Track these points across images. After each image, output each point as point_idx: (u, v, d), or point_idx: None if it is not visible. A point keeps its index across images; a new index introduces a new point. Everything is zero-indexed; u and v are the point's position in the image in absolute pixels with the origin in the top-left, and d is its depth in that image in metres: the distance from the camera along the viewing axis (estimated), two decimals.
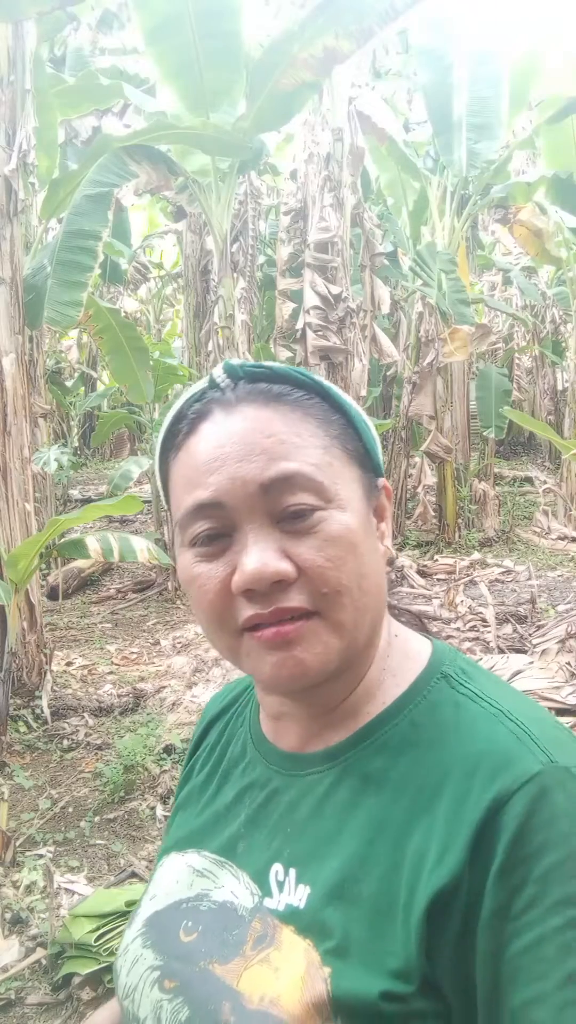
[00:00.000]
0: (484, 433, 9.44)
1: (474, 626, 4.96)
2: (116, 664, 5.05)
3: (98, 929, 2.27)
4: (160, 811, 3.21)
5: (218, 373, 0.65)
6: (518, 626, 4.93)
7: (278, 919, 0.61)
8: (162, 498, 0.71)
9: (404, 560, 6.64)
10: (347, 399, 0.68)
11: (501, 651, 4.49)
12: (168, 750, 3.60)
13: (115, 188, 5.10)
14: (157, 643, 5.45)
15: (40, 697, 4.05)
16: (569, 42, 7.16)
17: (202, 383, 0.67)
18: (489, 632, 4.70)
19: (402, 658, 0.69)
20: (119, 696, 4.35)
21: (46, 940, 2.37)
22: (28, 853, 2.92)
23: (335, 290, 6.07)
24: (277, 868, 0.64)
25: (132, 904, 2.23)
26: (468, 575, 6.41)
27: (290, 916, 0.61)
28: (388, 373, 10.39)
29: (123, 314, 7.48)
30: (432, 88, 7.00)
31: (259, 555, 0.59)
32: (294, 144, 7.46)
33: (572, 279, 9.31)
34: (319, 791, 0.65)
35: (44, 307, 4.57)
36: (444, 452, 7.75)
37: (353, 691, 0.67)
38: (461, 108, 6.94)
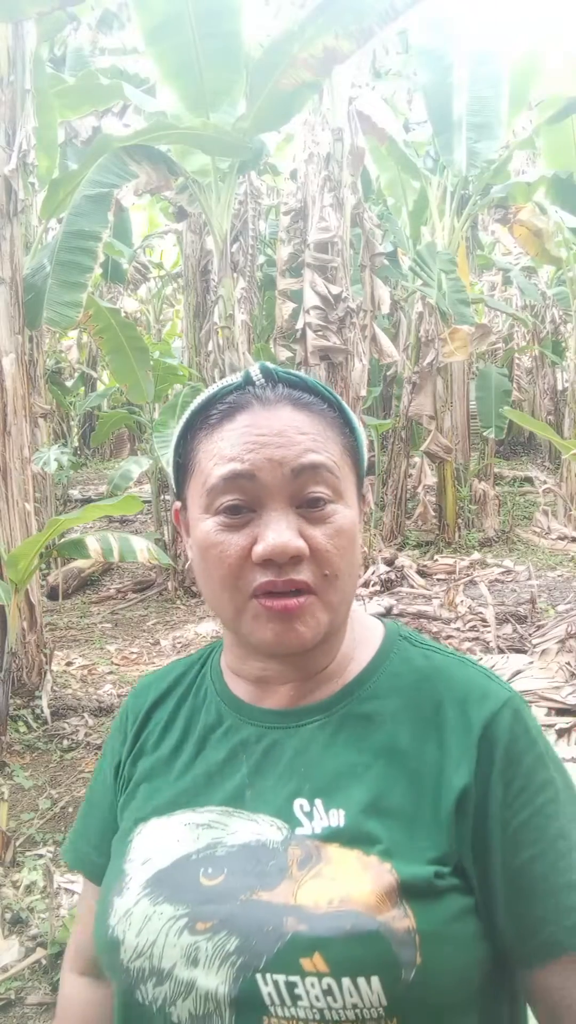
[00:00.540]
0: (484, 433, 9.44)
1: (474, 626, 4.96)
2: (116, 664, 5.05)
3: None
4: None
5: (255, 372, 0.75)
6: (518, 626, 4.93)
7: (318, 840, 0.69)
8: (170, 471, 0.81)
9: (404, 560, 6.64)
10: (354, 418, 0.79)
11: (501, 651, 4.49)
12: None
13: (115, 188, 5.10)
14: (157, 643, 5.45)
15: (40, 697, 4.05)
16: (569, 42, 7.16)
17: (235, 377, 0.75)
18: (489, 632, 4.70)
19: (363, 629, 0.82)
20: (119, 696, 4.35)
21: (46, 940, 2.37)
22: (28, 853, 2.92)
23: (335, 290, 6.07)
24: (300, 802, 0.71)
25: None
26: (468, 575, 6.40)
27: (331, 835, 0.69)
28: (388, 373, 10.39)
29: (123, 314, 7.48)
30: (432, 88, 7.00)
31: (284, 531, 0.69)
32: (294, 144, 7.46)
33: (572, 279, 9.31)
34: (324, 735, 0.75)
35: (44, 307, 4.56)
36: (444, 452, 7.75)
37: (333, 660, 0.78)
38: (461, 108, 6.94)
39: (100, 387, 12.94)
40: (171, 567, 6.45)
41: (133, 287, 11.37)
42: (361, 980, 0.62)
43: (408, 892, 0.65)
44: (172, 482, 0.80)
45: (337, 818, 0.69)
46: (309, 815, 0.70)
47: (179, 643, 5.36)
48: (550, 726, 3.42)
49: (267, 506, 0.70)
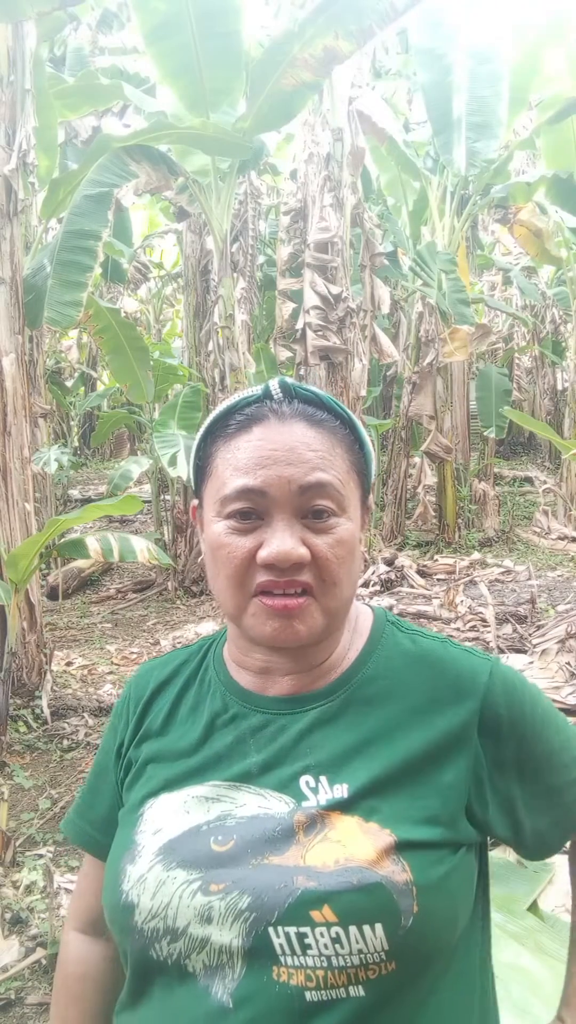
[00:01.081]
0: (484, 433, 9.43)
1: (474, 626, 4.96)
2: (116, 664, 5.05)
3: None
4: None
5: (274, 387, 0.80)
6: (518, 626, 4.93)
7: (322, 809, 0.75)
8: (190, 473, 0.87)
9: (404, 560, 6.64)
10: (365, 436, 0.85)
11: (501, 651, 4.49)
12: None
13: (115, 188, 5.10)
14: (157, 643, 5.45)
15: (40, 697, 4.05)
16: (569, 42, 7.15)
17: (256, 389, 0.81)
18: (489, 632, 4.70)
19: (356, 617, 0.88)
20: (119, 696, 4.34)
21: (46, 940, 2.37)
22: (28, 853, 2.92)
23: (335, 290, 6.07)
24: (307, 779, 0.77)
25: None
26: (468, 575, 6.40)
27: (334, 805, 0.75)
28: (388, 373, 10.40)
29: (123, 314, 7.48)
30: (432, 88, 7.00)
31: (288, 540, 0.75)
32: (294, 144, 7.46)
33: (572, 279, 9.31)
34: (327, 718, 0.80)
35: (44, 307, 4.56)
36: (444, 452, 7.75)
37: (332, 653, 0.84)
38: (461, 108, 6.94)
39: (100, 387, 12.94)
40: (171, 567, 6.45)
41: (133, 287, 11.38)
42: (366, 927, 0.69)
43: (405, 850, 0.73)
44: (192, 481, 0.87)
45: (341, 791, 0.76)
46: (314, 790, 0.76)
47: (179, 643, 5.36)
48: None
49: (274, 516, 0.76)
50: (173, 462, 5.75)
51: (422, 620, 5.02)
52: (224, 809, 0.77)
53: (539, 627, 4.87)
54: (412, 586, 6.15)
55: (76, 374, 12.15)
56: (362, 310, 6.78)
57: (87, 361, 12.63)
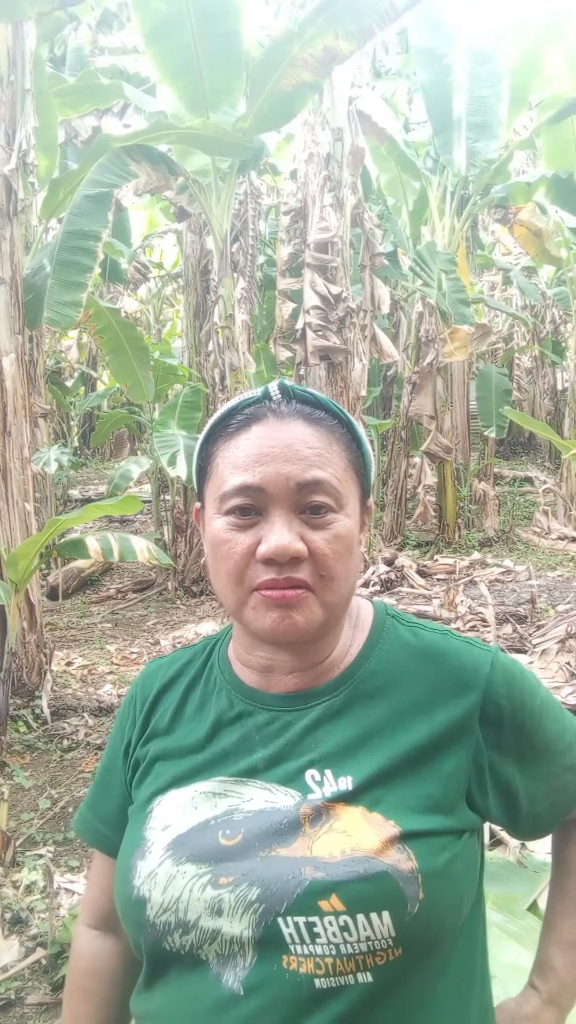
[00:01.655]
0: (484, 433, 9.43)
1: (474, 626, 4.96)
2: (116, 664, 5.05)
3: None
4: None
5: (273, 388, 0.81)
6: (518, 626, 4.93)
7: (327, 801, 0.77)
8: (192, 473, 0.89)
9: (404, 560, 6.64)
10: (363, 434, 0.86)
11: (501, 651, 4.49)
12: None
13: (115, 188, 5.10)
14: (157, 643, 5.45)
15: (40, 697, 4.05)
16: (569, 42, 7.15)
17: (255, 391, 0.82)
18: (489, 632, 4.70)
19: (357, 613, 0.90)
20: (119, 696, 4.35)
21: (46, 940, 2.37)
22: (28, 853, 2.92)
23: (335, 290, 6.07)
24: (312, 772, 0.79)
25: None
26: (468, 575, 6.40)
27: (339, 797, 0.77)
28: (388, 373, 10.40)
29: (123, 314, 7.48)
30: (432, 88, 6.99)
31: (285, 535, 0.76)
32: (294, 144, 7.47)
33: (572, 279, 9.31)
34: (332, 712, 0.82)
35: (44, 307, 4.56)
36: (444, 452, 7.74)
37: (333, 650, 0.85)
38: (461, 107, 6.94)
39: (100, 387, 12.94)
40: (171, 567, 6.45)
41: (133, 287, 11.38)
42: (374, 915, 0.71)
43: (410, 839, 0.75)
44: (195, 483, 0.89)
45: (345, 783, 0.77)
46: (320, 783, 0.78)
47: (179, 643, 5.35)
48: None
49: (272, 512, 0.78)
50: (173, 462, 5.75)
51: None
52: (231, 804, 0.79)
53: (539, 627, 4.87)
54: (412, 586, 6.15)
55: (76, 374, 12.15)
56: (362, 310, 6.78)
57: (87, 361, 12.63)
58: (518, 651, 4.52)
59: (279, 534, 0.76)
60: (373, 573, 6.08)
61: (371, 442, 8.50)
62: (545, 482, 10.06)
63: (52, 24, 5.33)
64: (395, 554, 6.79)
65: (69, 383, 11.68)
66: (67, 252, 4.69)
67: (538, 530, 8.34)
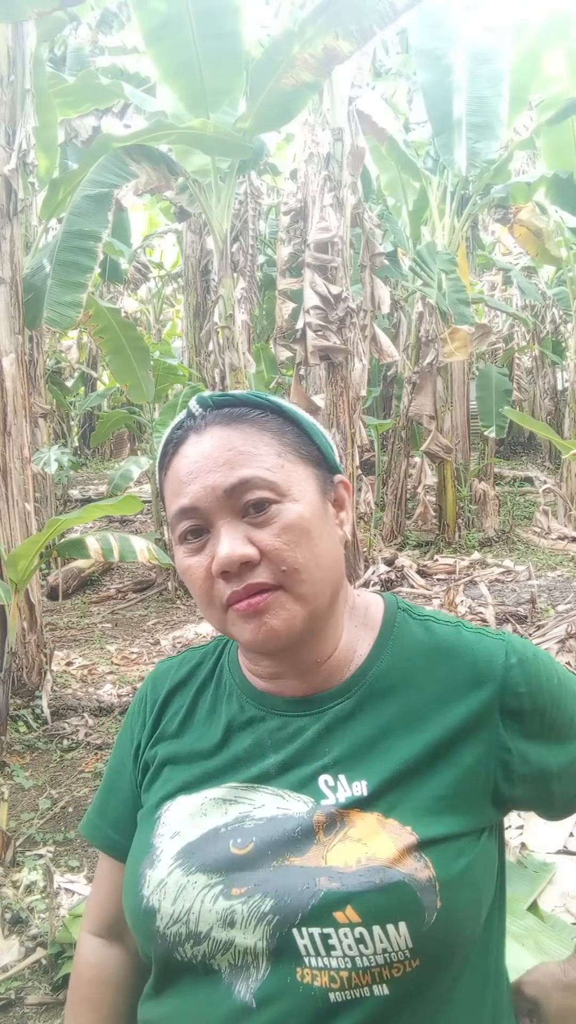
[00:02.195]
0: (484, 433, 9.43)
1: None
2: (116, 664, 5.05)
3: None
4: None
5: (193, 405, 0.80)
6: (518, 626, 4.93)
7: (341, 808, 0.75)
8: (164, 505, 0.86)
9: (404, 560, 6.64)
10: (300, 413, 0.83)
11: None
12: None
13: (115, 188, 5.10)
14: (157, 643, 5.45)
15: (40, 697, 4.05)
16: (569, 42, 7.15)
17: (183, 413, 0.81)
18: None
19: (365, 610, 0.87)
20: (119, 696, 4.35)
21: (46, 940, 2.37)
22: (28, 853, 2.91)
23: (335, 290, 6.06)
24: (325, 778, 0.77)
25: None
26: (468, 575, 6.40)
27: (353, 803, 0.75)
28: (388, 373, 10.40)
29: (123, 314, 7.48)
30: (432, 88, 6.99)
31: (228, 543, 0.74)
32: (294, 144, 7.46)
33: (572, 279, 9.31)
34: (344, 715, 0.79)
35: (44, 307, 4.56)
36: (444, 452, 7.74)
37: (336, 648, 0.82)
38: (461, 108, 6.93)
39: (100, 387, 12.94)
40: (171, 567, 6.45)
41: (133, 287, 11.38)
42: (390, 926, 0.69)
43: (427, 847, 0.72)
44: None
45: (360, 788, 0.75)
46: (333, 789, 0.76)
47: (179, 643, 5.35)
48: None
49: (215, 524, 0.76)
50: None
51: None
52: (242, 811, 0.77)
53: (539, 627, 4.87)
54: (412, 586, 6.15)
55: (76, 374, 12.15)
56: (362, 310, 6.77)
57: (87, 361, 12.63)
58: None
59: (222, 546, 0.74)
60: (373, 573, 6.08)
61: (371, 442, 8.51)
62: (545, 482, 10.06)
63: (52, 24, 5.33)
64: (395, 554, 6.79)
65: (69, 383, 11.69)
66: (67, 252, 4.69)
67: (538, 530, 8.34)
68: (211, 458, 0.76)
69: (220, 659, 0.91)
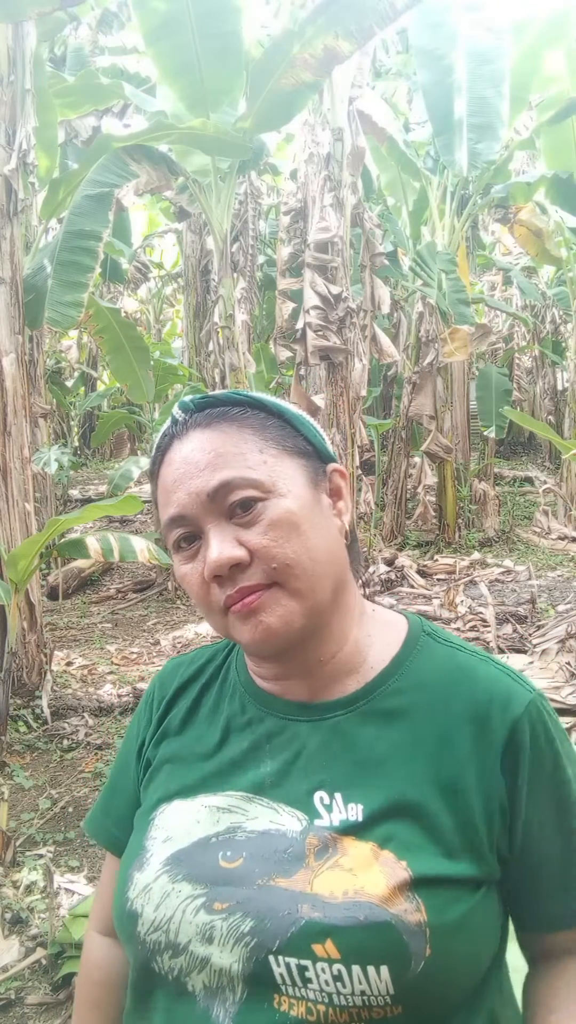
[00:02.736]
0: (484, 433, 9.43)
1: (474, 626, 4.96)
2: (116, 664, 5.05)
3: None
4: None
5: (176, 410, 0.80)
6: (518, 626, 4.93)
7: (335, 832, 0.71)
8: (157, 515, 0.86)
9: (404, 560, 6.64)
10: (283, 405, 0.81)
11: (501, 651, 4.49)
12: None
13: (115, 188, 5.10)
14: (157, 643, 5.45)
15: (40, 697, 4.05)
16: (569, 42, 7.15)
17: (169, 419, 0.81)
18: (489, 632, 4.70)
19: (383, 626, 0.84)
20: (119, 696, 4.35)
21: (46, 940, 2.37)
22: (28, 853, 2.92)
23: (335, 290, 6.06)
24: (321, 795, 0.74)
25: None
26: (468, 575, 6.40)
27: (348, 829, 0.71)
28: (388, 373, 10.39)
29: (123, 314, 7.48)
30: (432, 88, 6.99)
31: (216, 547, 0.73)
32: (294, 144, 7.46)
33: (572, 279, 9.31)
34: (347, 729, 0.77)
35: (45, 307, 4.56)
36: (444, 452, 7.74)
37: (341, 649, 0.80)
38: (462, 108, 6.93)
39: (100, 387, 12.94)
40: (171, 567, 6.44)
41: (133, 287, 11.38)
42: (371, 968, 0.65)
43: (421, 887, 0.68)
44: None
45: (355, 812, 0.72)
46: (328, 808, 0.73)
47: (179, 643, 5.35)
48: None
49: (204, 529, 0.75)
50: None
51: None
52: (234, 821, 0.75)
53: (539, 627, 4.87)
54: (412, 586, 6.15)
55: (76, 374, 12.15)
56: (362, 310, 6.77)
57: (87, 361, 12.63)
58: (518, 651, 4.52)
59: (210, 551, 0.73)
60: (373, 573, 6.08)
61: (371, 442, 8.52)
62: (545, 482, 10.06)
63: (52, 24, 5.33)
64: (395, 554, 6.80)
65: (69, 383, 11.69)
66: (68, 252, 4.70)
67: (538, 530, 8.34)
68: (192, 463, 0.75)
69: (229, 656, 0.90)
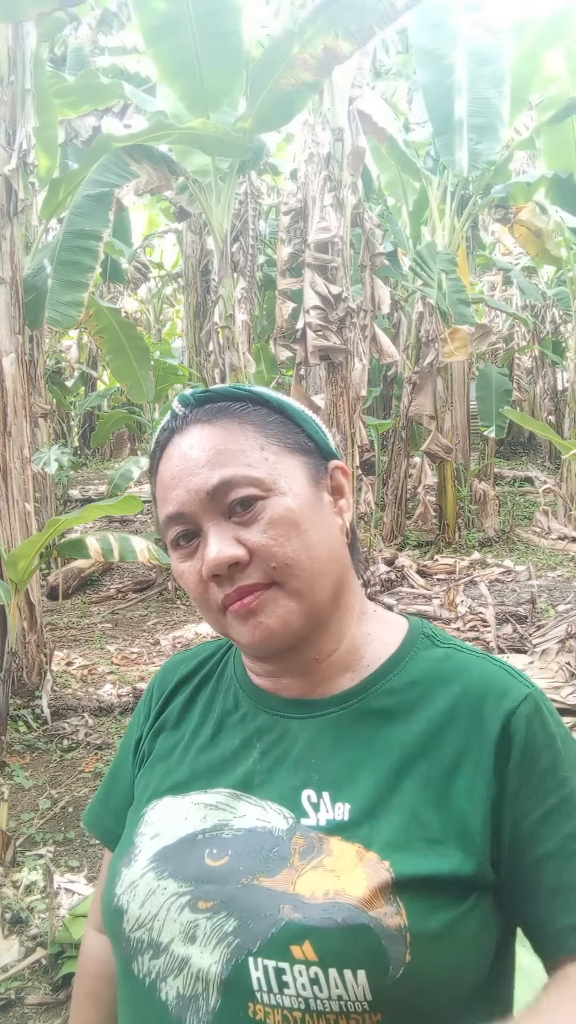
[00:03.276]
0: (484, 433, 9.44)
1: (474, 626, 4.96)
2: (116, 664, 5.05)
3: None
4: None
5: (176, 404, 0.78)
6: (518, 626, 4.93)
7: (322, 832, 0.70)
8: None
9: (404, 560, 6.64)
10: (285, 400, 0.80)
11: (501, 651, 4.49)
12: None
13: (116, 188, 5.10)
14: (157, 643, 5.45)
15: (40, 697, 4.05)
16: (569, 42, 7.15)
17: (169, 414, 0.79)
18: (489, 632, 4.70)
19: (383, 625, 0.82)
20: (119, 696, 4.35)
21: (46, 940, 2.37)
22: (28, 853, 2.92)
23: (335, 290, 6.06)
24: (308, 793, 0.72)
25: None
26: (468, 575, 6.40)
27: (334, 829, 0.70)
28: (388, 373, 10.39)
29: (123, 314, 7.48)
30: (433, 88, 6.99)
31: (215, 546, 0.72)
32: (294, 144, 7.46)
33: (572, 279, 9.31)
34: (337, 727, 0.75)
35: (45, 307, 4.57)
36: (444, 452, 7.74)
37: (338, 647, 0.79)
38: (462, 108, 6.93)
39: (100, 387, 12.94)
40: (171, 566, 6.45)
41: (133, 287, 11.38)
42: (347, 972, 0.63)
43: (403, 891, 0.66)
44: None
45: (342, 812, 0.70)
46: (315, 807, 0.72)
47: (179, 643, 5.36)
48: None
49: (203, 527, 0.74)
50: None
51: None
52: (222, 818, 0.74)
53: (539, 627, 4.87)
54: (412, 586, 6.15)
55: (76, 374, 12.15)
56: (362, 310, 6.77)
57: (87, 361, 12.63)
58: (518, 651, 4.53)
59: (209, 549, 0.72)
60: (373, 573, 6.08)
61: (371, 442, 8.52)
62: (545, 482, 10.06)
63: (52, 24, 5.33)
64: (395, 554, 6.80)
65: (69, 383, 11.69)
66: (68, 252, 4.70)
67: (538, 530, 8.34)
68: (192, 460, 0.74)
69: (227, 652, 0.89)
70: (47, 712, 3.98)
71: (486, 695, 0.73)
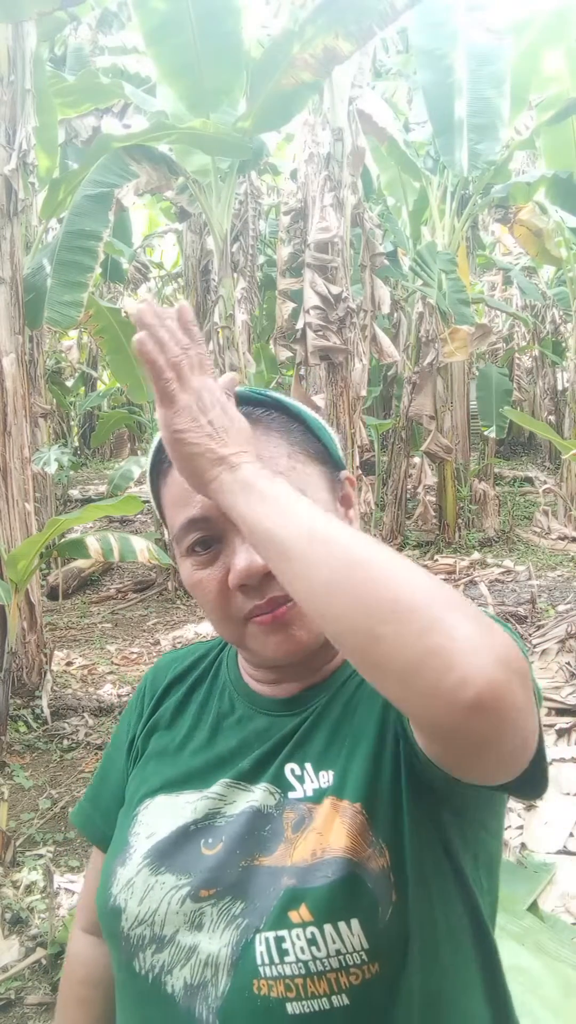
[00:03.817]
0: (484, 433, 9.44)
1: None
2: (116, 664, 5.05)
3: None
4: None
5: None
6: (518, 626, 4.93)
7: (310, 802, 0.71)
8: (158, 515, 0.83)
9: None
10: (303, 408, 0.79)
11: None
12: None
13: (116, 188, 5.10)
14: (157, 643, 5.45)
15: (40, 697, 4.05)
16: (569, 42, 7.15)
17: None
18: None
19: None
20: (119, 696, 4.35)
21: (46, 940, 2.37)
22: (28, 853, 2.92)
23: (335, 290, 6.06)
24: (291, 767, 0.73)
25: None
26: (468, 575, 6.41)
27: (320, 795, 0.71)
28: (388, 373, 10.39)
29: (123, 314, 7.48)
30: (433, 88, 6.99)
31: (247, 554, 0.70)
32: (294, 144, 7.46)
33: (572, 279, 9.31)
34: (324, 710, 0.76)
35: (45, 307, 4.57)
36: (444, 452, 7.74)
37: (337, 654, 0.79)
38: (462, 108, 6.93)
39: (100, 387, 12.94)
40: (171, 567, 6.45)
41: (133, 287, 11.37)
42: (342, 924, 0.64)
43: (380, 830, 0.67)
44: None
45: (327, 779, 0.72)
46: (300, 779, 0.73)
47: (179, 643, 5.36)
48: (550, 726, 3.42)
49: (228, 535, 0.72)
50: None
51: None
52: (213, 807, 0.75)
53: (539, 627, 4.87)
54: None
55: (76, 374, 12.15)
56: (362, 310, 6.77)
57: (87, 361, 12.62)
58: None
59: (239, 558, 0.70)
60: None
61: (371, 442, 8.51)
62: (545, 482, 10.06)
63: (52, 24, 5.34)
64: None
65: (69, 383, 11.68)
66: (68, 252, 4.70)
67: (538, 530, 8.34)
68: None
69: (221, 653, 0.89)
70: (47, 712, 3.99)
71: None
